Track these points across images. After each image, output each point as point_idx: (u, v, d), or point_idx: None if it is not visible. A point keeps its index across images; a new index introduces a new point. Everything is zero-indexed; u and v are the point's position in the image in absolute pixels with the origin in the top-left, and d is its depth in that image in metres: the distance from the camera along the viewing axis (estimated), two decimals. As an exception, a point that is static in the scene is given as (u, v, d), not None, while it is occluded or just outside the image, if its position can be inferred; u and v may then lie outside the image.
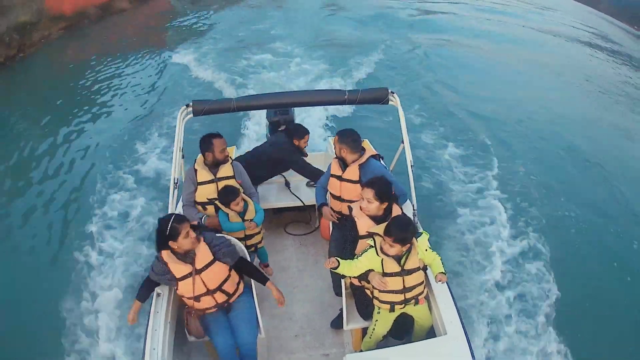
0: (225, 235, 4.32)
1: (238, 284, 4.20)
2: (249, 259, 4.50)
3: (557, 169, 10.04)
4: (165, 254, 3.85)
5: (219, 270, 3.99)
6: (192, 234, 3.79)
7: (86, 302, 5.99)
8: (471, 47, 19.32)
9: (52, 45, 19.45)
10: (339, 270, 3.86)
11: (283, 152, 5.71)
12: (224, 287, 4.04)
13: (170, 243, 3.79)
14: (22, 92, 15.05)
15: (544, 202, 8.53)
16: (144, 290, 4.06)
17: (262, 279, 4.26)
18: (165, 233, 3.76)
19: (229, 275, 4.07)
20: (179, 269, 3.85)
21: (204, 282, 3.91)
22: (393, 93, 4.87)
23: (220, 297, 4.05)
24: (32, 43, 19.72)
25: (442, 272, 3.93)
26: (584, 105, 14.80)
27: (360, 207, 4.05)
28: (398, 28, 21.25)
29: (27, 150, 10.53)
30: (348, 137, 4.56)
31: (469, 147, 10.51)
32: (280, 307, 5.00)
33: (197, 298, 3.96)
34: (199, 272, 3.87)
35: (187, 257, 3.87)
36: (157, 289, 4.10)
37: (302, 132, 5.82)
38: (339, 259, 3.86)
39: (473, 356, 3.69)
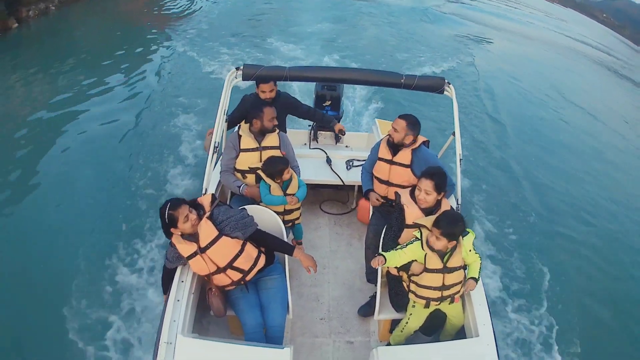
0: (249, 208, 4.23)
1: (257, 258, 3.99)
2: (284, 234, 4.38)
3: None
4: (174, 238, 3.77)
5: (228, 246, 3.80)
6: (192, 217, 3.67)
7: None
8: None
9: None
10: (386, 265, 3.77)
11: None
12: (236, 264, 3.85)
13: (173, 230, 3.71)
14: (94, 20, 17.93)
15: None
16: (167, 281, 4.01)
17: (288, 249, 4.08)
18: (165, 221, 3.69)
19: (241, 251, 3.87)
20: (184, 248, 3.74)
21: (212, 260, 3.78)
22: (449, 84, 4.68)
23: (234, 275, 3.88)
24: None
25: (473, 278, 3.87)
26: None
27: (418, 198, 3.91)
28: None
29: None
30: (417, 125, 4.45)
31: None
32: (309, 287, 4.98)
33: (209, 276, 3.88)
34: (203, 250, 3.74)
35: (192, 236, 3.75)
36: None
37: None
38: (384, 254, 3.77)
39: None
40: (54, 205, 7.29)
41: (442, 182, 3.89)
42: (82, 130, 9.58)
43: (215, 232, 3.74)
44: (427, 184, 3.85)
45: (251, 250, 3.95)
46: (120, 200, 7.47)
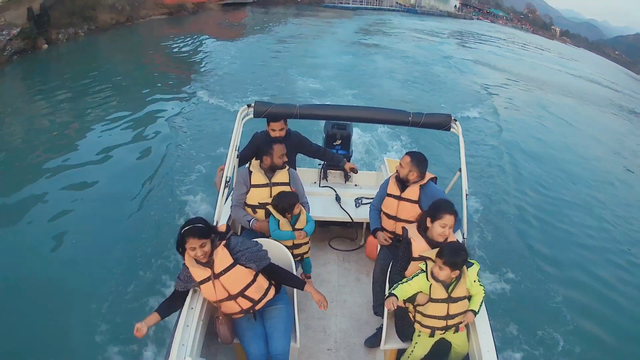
0: (260, 241, 4.29)
1: (267, 290, 4.06)
2: (293, 267, 4.47)
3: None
4: (187, 259, 3.81)
5: (241, 275, 3.87)
6: (204, 250, 3.69)
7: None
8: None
9: (153, 22, 26.60)
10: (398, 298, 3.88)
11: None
12: (247, 293, 3.92)
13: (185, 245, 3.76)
14: (121, 51, 19.42)
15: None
16: (168, 304, 3.96)
17: (299, 284, 4.15)
18: (179, 238, 3.76)
19: (253, 281, 3.95)
20: (197, 272, 3.79)
21: (224, 287, 3.85)
22: (456, 121, 4.77)
23: (244, 303, 3.95)
24: (139, 17, 26.91)
25: (473, 311, 3.94)
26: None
27: (442, 234, 4.00)
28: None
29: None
30: (421, 162, 4.61)
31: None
32: (316, 320, 5.02)
33: (219, 303, 3.92)
34: (217, 276, 3.80)
35: (206, 262, 3.80)
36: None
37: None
38: (395, 293, 3.88)
39: None
40: (64, 228, 7.55)
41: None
42: (96, 154, 10.04)
43: (231, 260, 3.82)
44: (451, 219, 3.97)
45: (262, 282, 4.03)
46: (129, 228, 7.70)
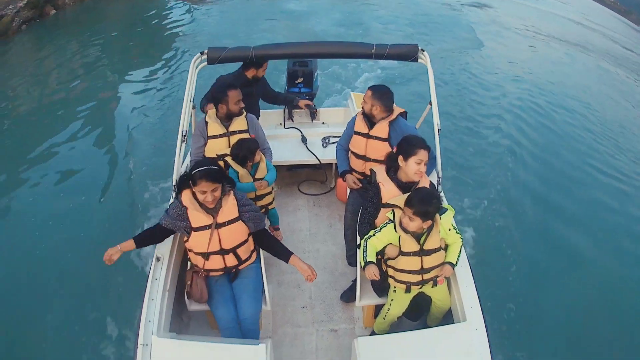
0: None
1: (252, 252, 3.88)
2: None
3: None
4: (187, 198, 3.53)
5: (239, 231, 3.67)
6: (217, 194, 3.47)
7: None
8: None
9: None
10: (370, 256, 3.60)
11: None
12: (238, 251, 3.72)
13: (193, 188, 3.50)
14: (123, 12, 19.67)
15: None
16: (147, 234, 3.76)
17: (285, 255, 3.83)
18: (188, 174, 3.53)
19: (246, 240, 3.75)
20: (198, 217, 3.52)
21: (220, 239, 3.60)
22: (423, 51, 4.43)
23: (230, 261, 3.73)
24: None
25: (450, 263, 3.64)
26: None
27: (418, 171, 3.63)
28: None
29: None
30: (384, 94, 4.23)
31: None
32: (289, 274, 4.79)
33: (206, 255, 3.66)
34: (218, 226, 3.55)
35: (211, 208, 3.54)
36: (157, 253, 3.81)
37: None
38: (373, 261, 3.58)
39: (491, 346, 3.42)
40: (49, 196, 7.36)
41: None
42: (84, 114, 9.99)
43: (236, 213, 3.63)
44: (426, 155, 3.62)
45: (251, 243, 3.86)
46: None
